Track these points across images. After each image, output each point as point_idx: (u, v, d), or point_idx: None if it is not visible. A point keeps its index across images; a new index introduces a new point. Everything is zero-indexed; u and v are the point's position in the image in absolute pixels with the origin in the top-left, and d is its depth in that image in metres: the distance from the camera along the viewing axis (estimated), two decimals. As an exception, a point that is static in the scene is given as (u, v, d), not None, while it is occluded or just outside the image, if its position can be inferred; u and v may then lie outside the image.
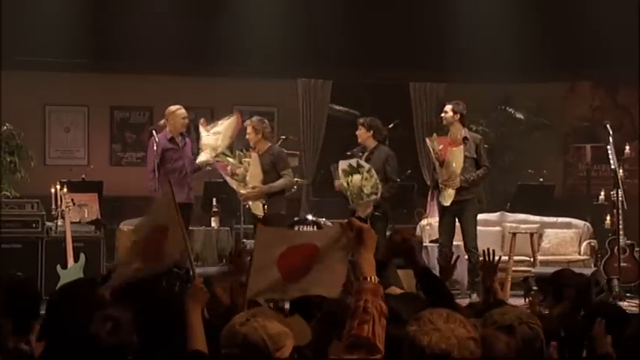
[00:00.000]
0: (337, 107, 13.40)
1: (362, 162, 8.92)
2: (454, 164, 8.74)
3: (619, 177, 9.12)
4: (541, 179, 12.05)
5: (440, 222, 9.16)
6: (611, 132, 9.26)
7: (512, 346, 2.93)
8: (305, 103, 13.14)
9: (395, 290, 4.27)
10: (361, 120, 9.31)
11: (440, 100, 12.15)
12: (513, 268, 9.46)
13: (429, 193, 10.18)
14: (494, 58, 12.18)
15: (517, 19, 12.07)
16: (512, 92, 13.12)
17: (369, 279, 2.87)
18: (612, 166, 9.13)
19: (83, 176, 10.74)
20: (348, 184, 8.88)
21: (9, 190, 10.57)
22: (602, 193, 11.04)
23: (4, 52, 11.40)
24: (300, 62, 12.74)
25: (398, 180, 9.44)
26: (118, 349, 2.79)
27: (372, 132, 9.14)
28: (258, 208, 8.88)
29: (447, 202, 8.78)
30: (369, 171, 8.83)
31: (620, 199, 8.99)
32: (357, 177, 8.82)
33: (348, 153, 9.32)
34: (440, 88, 13.18)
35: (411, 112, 13.34)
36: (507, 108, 12.99)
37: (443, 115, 8.99)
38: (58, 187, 9.25)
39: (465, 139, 8.87)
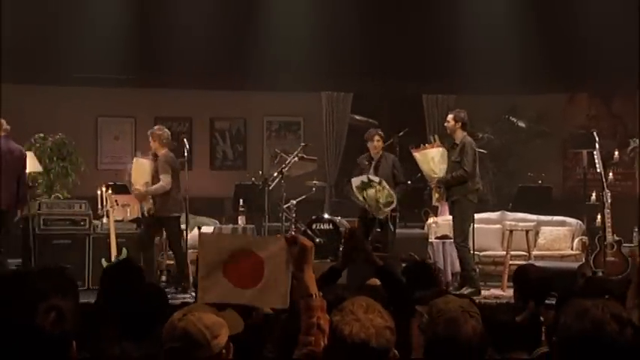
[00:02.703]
0: (357, 117, 13.60)
1: (371, 177, 9.22)
2: (423, 166, 9.15)
3: (604, 179, 9.35)
4: (540, 181, 12.22)
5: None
6: (597, 139, 9.54)
7: (478, 330, 2.91)
8: (328, 114, 13.51)
9: (375, 282, 4.31)
10: (381, 133, 9.68)
11: (450, 110, 12.66)
12: (510, 262, 9.64)
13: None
14: (501, 71, 12.30)
15: (521, 38, 12.20)
16: (516, 103, 13.29)
17: (314, 296, 2.99)
18: (598, 170, 9.43)
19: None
20: (364, 198, 9.15)
21: (61, 192, 10.81)
22: (594, 194, 10.86)
23: (62, 70, 11.97)
24: (324, 77, 12.99)
25: (409, 182, 9.81)
26: (63, 338, 2.71)
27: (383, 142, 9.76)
28: (148, 209, 9.33)
29: (433, 202, 9.47)
30: (380, 183, 9.13)
31: (608, 199, 9.12)
32: (371, 191, 9.11)
33: (358, 160, 9.64)
34: (450, 100, 13.33)
35: (424, 121, 13.59)
36: (511, 117, 13.19)
37: (446, 124, 9.24)
38: (104, 189, 9.59)
39: (454, 144, 9.05)
